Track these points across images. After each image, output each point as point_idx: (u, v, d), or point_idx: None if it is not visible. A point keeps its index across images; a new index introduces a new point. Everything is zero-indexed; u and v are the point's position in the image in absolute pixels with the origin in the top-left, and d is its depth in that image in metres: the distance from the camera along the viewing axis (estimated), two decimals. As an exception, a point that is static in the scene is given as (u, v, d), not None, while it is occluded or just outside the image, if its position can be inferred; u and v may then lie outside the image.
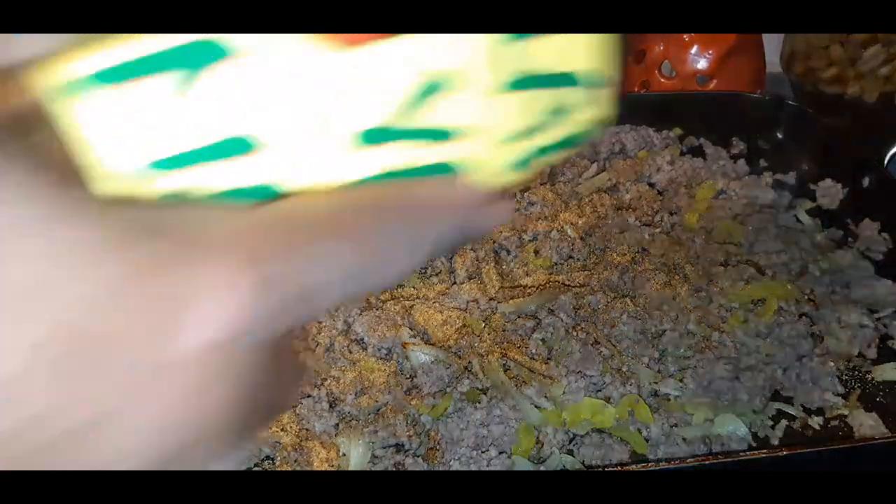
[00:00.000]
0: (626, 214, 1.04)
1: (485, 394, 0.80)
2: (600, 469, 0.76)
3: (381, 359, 0.83)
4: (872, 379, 0.90)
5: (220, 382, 0.24)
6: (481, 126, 0.27)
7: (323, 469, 0.73)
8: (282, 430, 0.75)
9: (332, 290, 0.25)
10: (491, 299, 0.90)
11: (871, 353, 0.93)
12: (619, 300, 0.90)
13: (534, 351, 0.84)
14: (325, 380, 0.81)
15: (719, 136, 1.30)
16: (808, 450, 0.75)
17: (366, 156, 0.26)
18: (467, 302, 0.89)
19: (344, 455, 0.74)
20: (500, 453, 0.75)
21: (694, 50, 1.31)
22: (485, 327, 0.86)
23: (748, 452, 0.79)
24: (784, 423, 0.84)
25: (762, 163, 1.27)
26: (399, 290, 0.94)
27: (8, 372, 0.21)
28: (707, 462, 0.75)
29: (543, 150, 0.30)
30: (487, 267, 0.95)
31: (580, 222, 1.03)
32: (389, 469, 0.73)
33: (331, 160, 0.25)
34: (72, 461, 0.26)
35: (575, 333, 0.85)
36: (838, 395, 0.86)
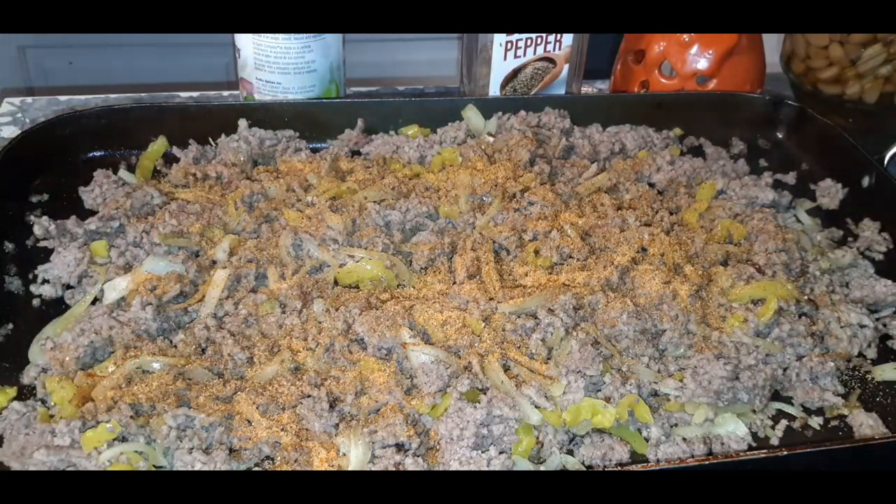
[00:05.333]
0: (626, 214, 1.04)
1: (484, 394, 0.80)
2: (600, 469, 0.76)
3: (381, 359, 0.83)
4: (872, 379, 0.90)
5: None
6: None
7: (323, 469, 0.73)
8: (282, 430, 0.75)
9: None
10: (491, 299, 0.90)
11: (871, 353, 0.93)
12: (619, 300, 0.90)
13: (534, 351, 0.84)
14: (325, 380, 0.81)
15: (719, 136, 1.30)
16: (808, 450, 0.75)
17: None
18: (467, 302, 0.89)
19: (344, 455, 0.74)
20: (500, 453, 0.75)
21: (694, 50, 1.31)
22: (485, 327, 0.86)
23: (748, 452, 0.79)
24: (784, 423, 0.84)
25: (762, 163, 1.27)
26: (399, 289, 0.94)
27: None
28: (707, 462, 0.75)
29: None
30: (487, 267, 0.95)
31: (580, 222, 1.03)
32: (389, 469, 0.73)
33: None
34: None
35: (575, 333, 0.85)
36: (838, 395, 0.86)
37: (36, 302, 0.92)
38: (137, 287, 0.90)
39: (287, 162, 1.14)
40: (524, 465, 0.75)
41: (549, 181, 1.12)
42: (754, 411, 0.84)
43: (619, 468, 0.76)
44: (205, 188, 1.07)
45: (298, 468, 0.73)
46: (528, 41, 1.27)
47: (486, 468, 0.73)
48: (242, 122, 1.18)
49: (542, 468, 0.76)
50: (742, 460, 0.74)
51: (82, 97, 1.40)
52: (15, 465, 0.72)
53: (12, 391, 0.80)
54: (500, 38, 1.25)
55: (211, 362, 0.82)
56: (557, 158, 1.19)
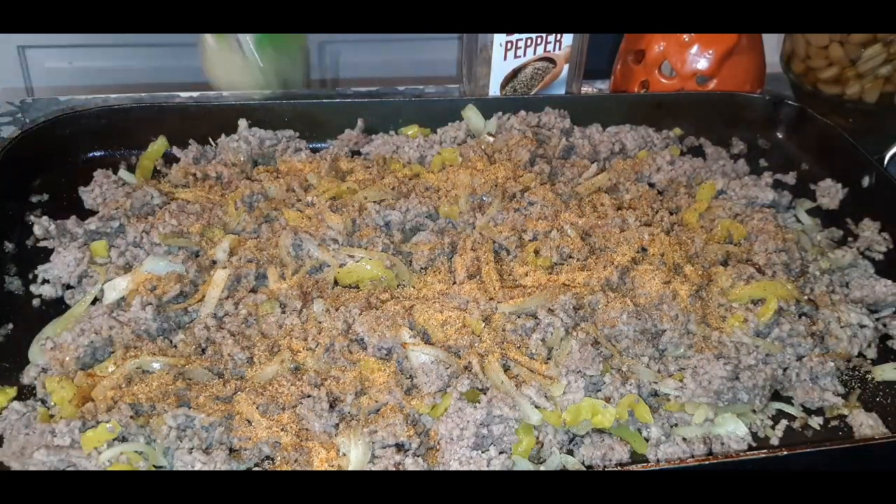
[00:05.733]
0: (626, 214, 1.04)
1: (484, 394, 0.80)
2: (600, 469, 0.76)
3: (381, 359, 0.83)
4: (872, 379, 0.90)
5: None
6: None
7: (323, 469, 0.73)
8: (282, 430, 0.75)
9: None
10: (491, 299, 0.90)
11: (871, 353, 0.93)
12: (619, 300, 0.90)
13: (534, 351, 0.84)
14: (325, 380, 0.81)
15: (719, 136, 1.30)
16: (808, 450, 0.75)
17: None
18: (467, 302, 0.89)
19: (344, 455, 0.74)
20: (500, 453, 0.75)
21: (694, 50, 1.31)
22: (485, 327, 0.86)
23: (748, 452, 0.79)
24: (784, 423, 0.84)
25: (762, 163, 1.27)
26: (399, 290, 0.94)
27: None
28: (707, 462, 0.75)
29: None
30: (487, 267, 0.95)
31: (580, 222, 1.03)
32: (389, 469, 0.73)
33: None
34: None
35: (575, 333, 0.85)
36: (838, 395, 0.86)
37: (36, 302, 0.92)
38: (137, 287, 0.90)
39: (287, 162, 1.14)
40: (524, 465, 0.75)
41: (549, 181, 1.12)
42: (754, 411, 0.84)
43: (619, 468, 0.76)
44: (205, 188, 1.07)
45: (298, 468, 0.73)
46: (528, 41, 1.27)
47: (486, 468, 0.73)
48: (242, 122, 1.18)
49: (542, 468, 0.76)
50: (742, 460, 0.74)
51: (82, 97, 1.40)
52: (15, 465, 0.72)
53: (12, 391, 0.80)
54: (500, 38, 1.24)
55: (211, 362, 0.82)
56: (557, 158, 1.19)
